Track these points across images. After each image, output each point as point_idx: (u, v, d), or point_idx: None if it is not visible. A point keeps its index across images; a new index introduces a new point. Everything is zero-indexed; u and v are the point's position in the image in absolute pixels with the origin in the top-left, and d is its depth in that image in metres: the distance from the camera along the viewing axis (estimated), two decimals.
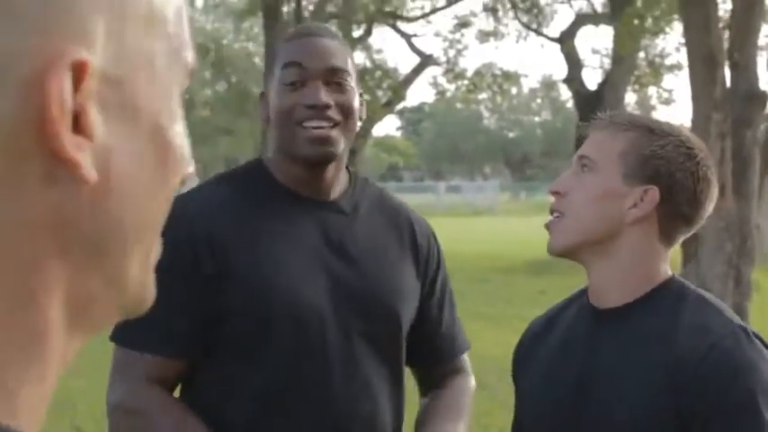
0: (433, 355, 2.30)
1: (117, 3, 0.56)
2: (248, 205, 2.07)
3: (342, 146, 2.04)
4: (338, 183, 2.13)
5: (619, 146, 1.89)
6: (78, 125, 0.53)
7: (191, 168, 0.63)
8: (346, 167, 2.19)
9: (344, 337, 2.03)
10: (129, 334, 1.97)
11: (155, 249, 0.63)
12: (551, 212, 1.95)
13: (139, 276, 0.62)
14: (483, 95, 28.00)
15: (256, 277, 1.99)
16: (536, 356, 2.06)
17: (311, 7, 19.80)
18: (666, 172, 1.87)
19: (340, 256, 2.07)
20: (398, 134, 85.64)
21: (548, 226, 1.95)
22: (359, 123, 2.09)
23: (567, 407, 1.91)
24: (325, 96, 2.00)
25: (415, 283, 2.20)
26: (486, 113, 72.44)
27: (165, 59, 0.60)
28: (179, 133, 0.61)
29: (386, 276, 2.12)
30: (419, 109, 79.80)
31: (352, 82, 2.06)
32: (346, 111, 2.03)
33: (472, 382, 2.35)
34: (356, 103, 2.07)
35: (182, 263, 1.95)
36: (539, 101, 69.21)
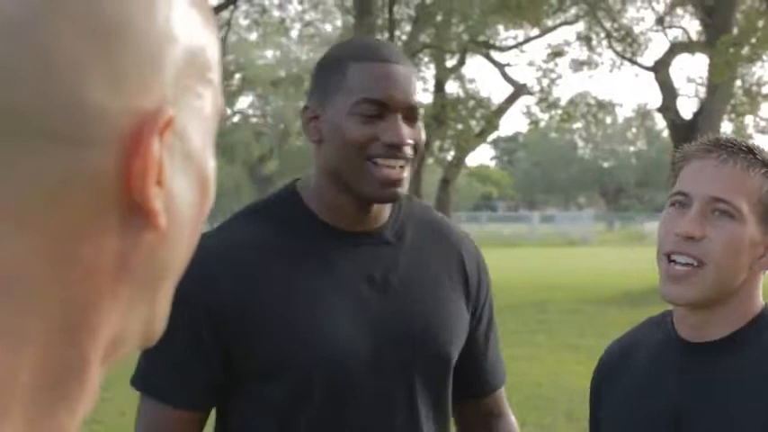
0: (473, 389, 2.13)
1: (182, 56, 0.56)
2: (281, 250, 1.87)
3: (407, 185, 1.85)
4: (383, 210, 1.94)
5: (755, 188, 1.76)
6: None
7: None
8: None
9: (392, 386, 1.88)
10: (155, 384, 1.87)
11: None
12: (675, 254, 1.78)
13: (164, 313, 0.62)
14: (577, 125, 27.83)
15: (292, 336, 1.82)
16: (617, 386, 1.97)
17: (404, 37, 19.90)
18: None
19: (385, 296, 1.89)
20: (493, 164, 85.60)
21: (677, 273, 1.77)
22: None
23: None
24: (407, 134, 1.82)
25: (465, 315, 2.02)
26: (580, 143, 71.93)
27: (211, 105, 0.60)
28: (213, 170, 0.61)
29: (435, 313, 1.93)
30: (513, 139, 79.60)
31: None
32: (419, 148, 1.85)
33: (514, 422, 2.21)
34: (424, 137, 1.91)
35: (199, 320, 1.81)
36: (634, 130, 68.43)
